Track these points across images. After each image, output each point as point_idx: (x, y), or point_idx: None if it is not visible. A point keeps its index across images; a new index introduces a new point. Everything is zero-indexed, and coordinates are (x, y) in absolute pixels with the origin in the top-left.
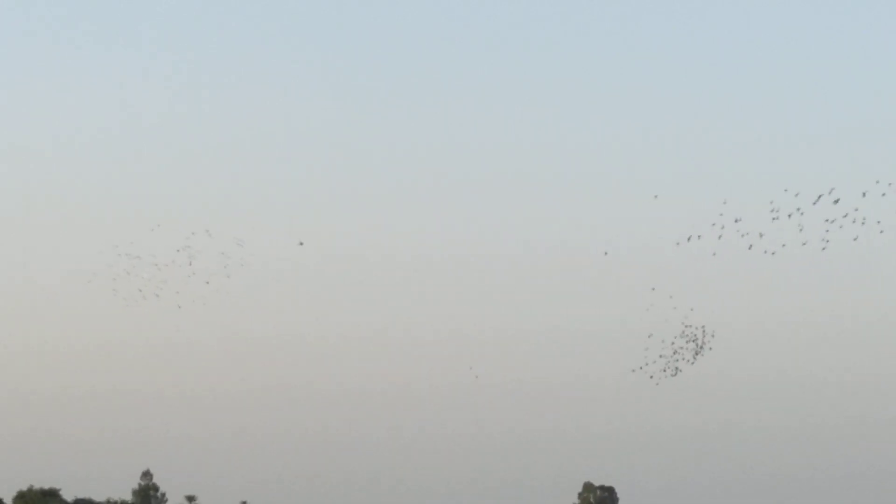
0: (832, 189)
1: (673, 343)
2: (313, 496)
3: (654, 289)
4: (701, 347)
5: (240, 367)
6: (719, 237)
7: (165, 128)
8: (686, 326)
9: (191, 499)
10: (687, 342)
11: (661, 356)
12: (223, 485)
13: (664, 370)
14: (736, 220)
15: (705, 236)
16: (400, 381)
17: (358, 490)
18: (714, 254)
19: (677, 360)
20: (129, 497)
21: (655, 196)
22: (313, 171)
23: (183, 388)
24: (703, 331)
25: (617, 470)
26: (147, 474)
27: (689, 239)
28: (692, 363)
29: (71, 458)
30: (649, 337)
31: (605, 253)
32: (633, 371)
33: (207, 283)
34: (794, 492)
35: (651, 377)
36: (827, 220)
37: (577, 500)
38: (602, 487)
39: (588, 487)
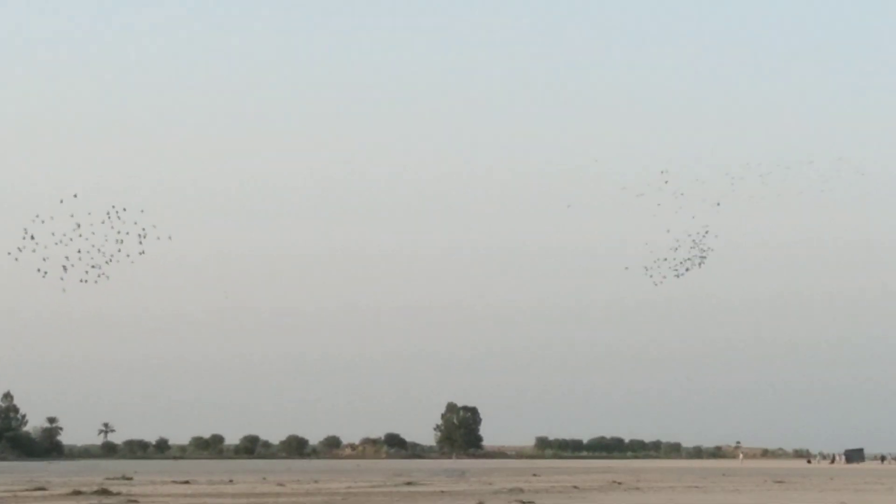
0: None
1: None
2: (172, 420)
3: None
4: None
5: (99, 289)
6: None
7: None
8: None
9: (52, 420)
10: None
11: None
12: (84, 407)
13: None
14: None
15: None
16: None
17: (218, 410)
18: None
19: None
20: None
21: None
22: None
23: (42, 310)
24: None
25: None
26: (7, 396)
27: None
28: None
29: None
30: None
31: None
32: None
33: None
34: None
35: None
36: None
37: (440, 421)
38: (465, 408)
39: (451, 408)
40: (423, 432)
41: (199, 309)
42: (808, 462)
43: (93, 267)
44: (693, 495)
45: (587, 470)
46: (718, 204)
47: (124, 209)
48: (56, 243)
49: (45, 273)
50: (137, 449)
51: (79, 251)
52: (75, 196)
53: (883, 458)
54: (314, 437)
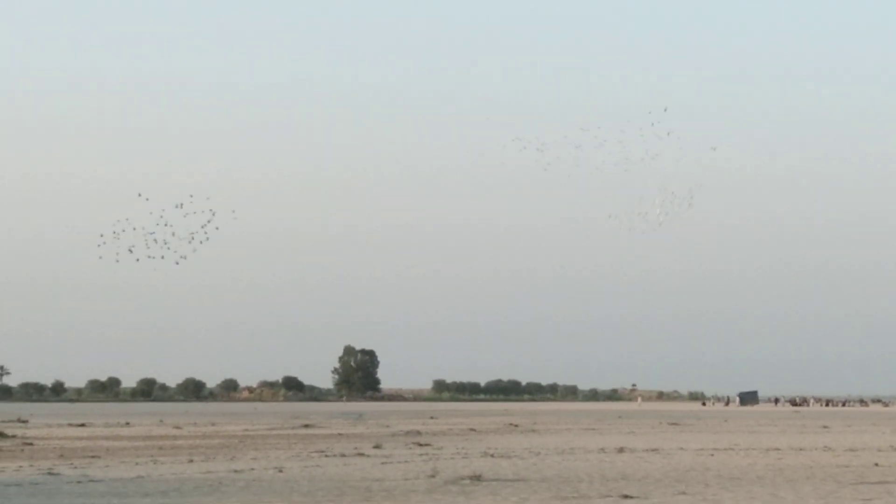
0: None
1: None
2: (68, 362)
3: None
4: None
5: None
6: None
7: None
8: None
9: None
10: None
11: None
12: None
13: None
14: None
15: None
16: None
17: (114, 352)
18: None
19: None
20: None
21: None
22: None
23: None
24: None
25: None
26: None
27: None
28: None
29: None
30: None
31: None
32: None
33: None
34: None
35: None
36: None
37: (338, 364)
38: (363, 351)
39: (349, 351)
40: (321, 375)
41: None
42: (703, 404)
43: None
44: (589, 437)
45: (484, 412)
46: None
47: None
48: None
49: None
50: (33, 392)
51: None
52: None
53: (776, 401)
54: (211, 380)
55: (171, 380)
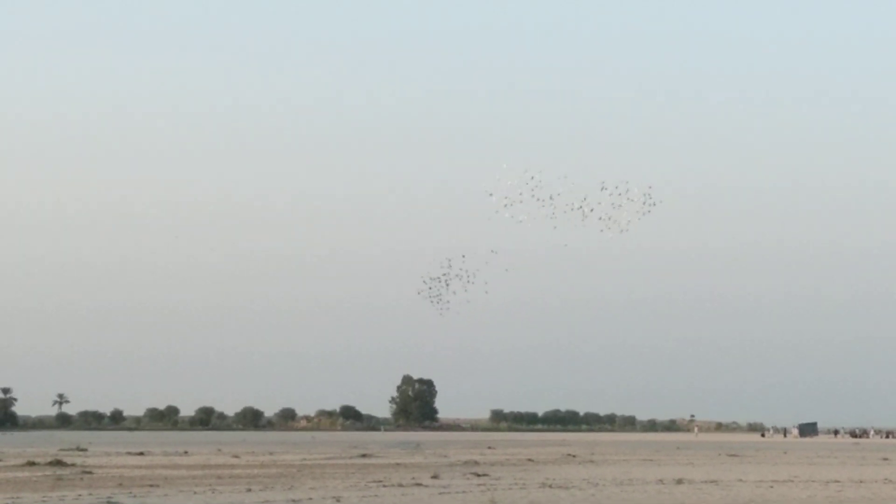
0: None
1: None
2: (127, 391)
3: None
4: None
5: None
6: None
7: None
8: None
9: (6, 391)
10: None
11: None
12: (39, 378)
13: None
14: None
15: None
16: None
17: (173, 381)
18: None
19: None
20: None
21: None
22: None
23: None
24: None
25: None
26: None
27: None
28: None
29: None
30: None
31: None
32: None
33: None
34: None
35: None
36: None
37: (395, 394)
38: (421, 380)
39: (407, 380)
40: (379, 404)
41: (157, 267)
42: (762, 436)
43: None
44: (647, 468)
45: (542, 443)
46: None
47: None
48: None
49: None
50: (92, 420)
51: None
52: None
53: (836, 433)
54: (269, 409)
55: (230, 409)
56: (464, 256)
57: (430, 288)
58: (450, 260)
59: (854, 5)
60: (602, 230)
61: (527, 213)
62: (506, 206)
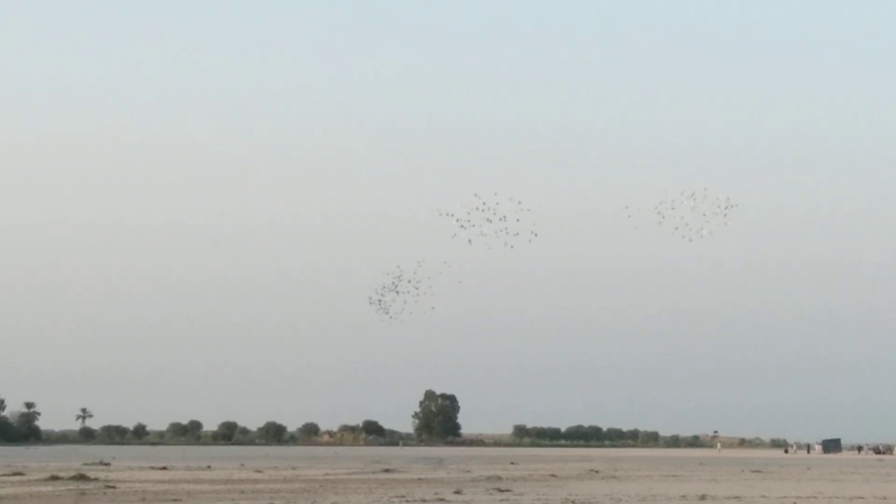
0: None
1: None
2: (150, 406)
3: None
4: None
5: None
6: None
7: None
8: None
9: (30, 405)
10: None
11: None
12: (63, 393)
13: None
14: None
15: None
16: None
17: (196, 396)
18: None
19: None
20: None
21: None
22: None
23: (20, 300)
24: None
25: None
26: None
27: None
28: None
29: None
30: None
31: None
32: None
33: None
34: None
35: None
36: None
37: (418, 409)
38: (444, 395)
39: (430, 395)
40: (402, 419)
41: (181, 283)
42: (786, 452)
43: None
44: (670, 484)
45: (565, 458)
46: None
47: None
48: None
49: None
50: (115, 434)
51: None
52: None
53: (860, 449)
54: (292, 424)
55: (252, 423)
56: (419, 263)
57: (381, 297)
58: (399, 267)
59: None
60: (683, 236)
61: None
62: (463, 227)
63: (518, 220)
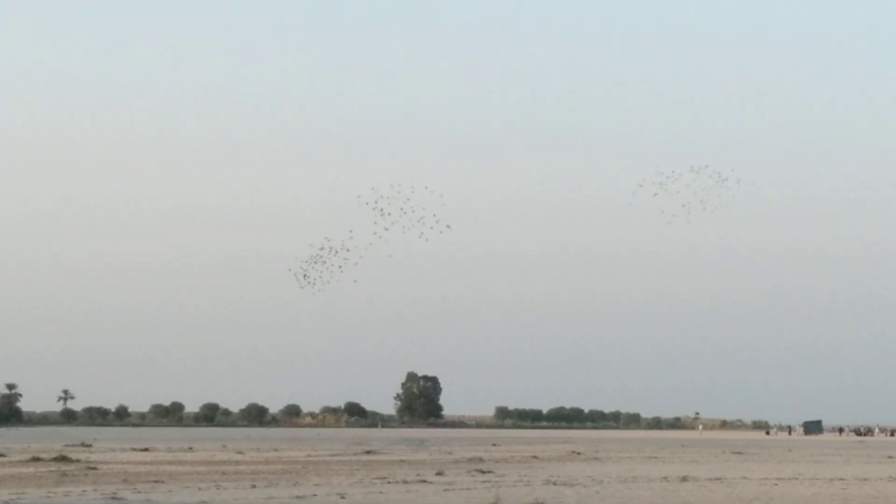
0: None
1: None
2: (131, 387)
3: None
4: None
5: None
6: None
7: None
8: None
9: (11, 387)
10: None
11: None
12: (44, 374)
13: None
14: None
15: None
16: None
17: (177, 377)
18: None
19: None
20: None
21: None
22: None
23: (3, 265)
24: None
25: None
26: None
27: None
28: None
29: None
30: None
31: None
32: None
33: None
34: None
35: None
36: None
37: (400, 391)
38: (425, 377)
39: (412, 377)
40: (384, 401)
41: (162, 264)
42: (767, 433)
43: None
44: (652, 465)
45: (547, 440)
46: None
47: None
48: None
49: None
50: (97, 416)
51: None
52: None
53: (841, 430)
54: (274, 406)
55: (234, 405)
56: (351, 231)
57: (308, 268)
58: (328, 239)
59: None
60: (690, 212)
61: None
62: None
63: (435, 215)
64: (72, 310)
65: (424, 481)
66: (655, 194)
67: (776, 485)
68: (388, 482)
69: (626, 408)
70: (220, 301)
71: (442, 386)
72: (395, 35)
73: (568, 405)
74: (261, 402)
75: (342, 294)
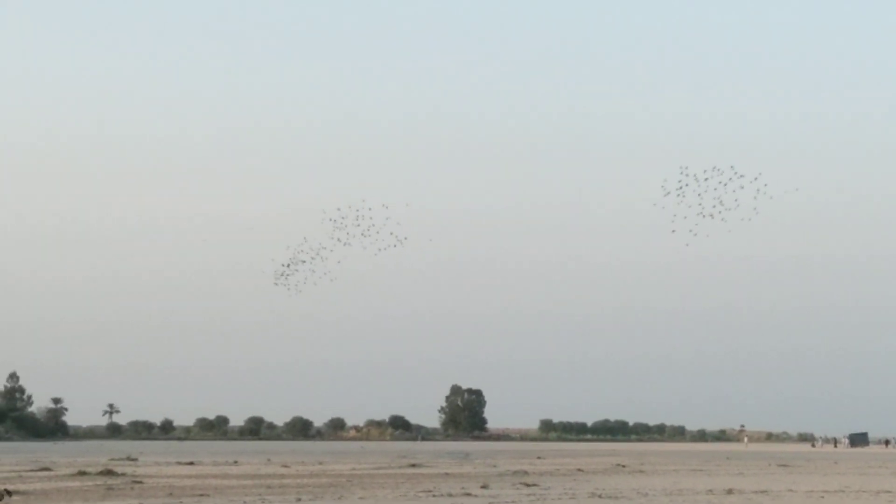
0: None
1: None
2: (177, 401)
3: None
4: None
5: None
6: None
7: None
8: None
9: (57, 401)
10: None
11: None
12: (90, 388)
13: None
14: None
15: None
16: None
17: (222, 391)
18: None
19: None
20: None
21: None
22: None
23: (49, 292)
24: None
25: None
26: (13, 376)
27: None
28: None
29: None
30: None
31: None
32: None
33: None
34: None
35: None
36: None
37: (444, 404)
38: (470, 390)
39: (456, 390)
40: (428, 414)
41: (207, 277)
42: (812, 446)
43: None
44: (697, 478)
45: (591, 453)
46: None
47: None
48: None
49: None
50: (142, 430)
51: None
52: None
53: (887, 443)
54: (318, 419)
55: (279, 419)
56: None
57: (287, 270)
58: (305, 238)
59: None
60: (715, 215)
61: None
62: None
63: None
64: (117, 324)
65: (469, 494)
66: (681, 201)
67: (822, 497)
68: (433, 495)
69: (671, 420)
70: (265, 314)
71: (486, 399)
72: (365, 45)
73: (612, 418)
74: (305, 416)
75: (387, 307)
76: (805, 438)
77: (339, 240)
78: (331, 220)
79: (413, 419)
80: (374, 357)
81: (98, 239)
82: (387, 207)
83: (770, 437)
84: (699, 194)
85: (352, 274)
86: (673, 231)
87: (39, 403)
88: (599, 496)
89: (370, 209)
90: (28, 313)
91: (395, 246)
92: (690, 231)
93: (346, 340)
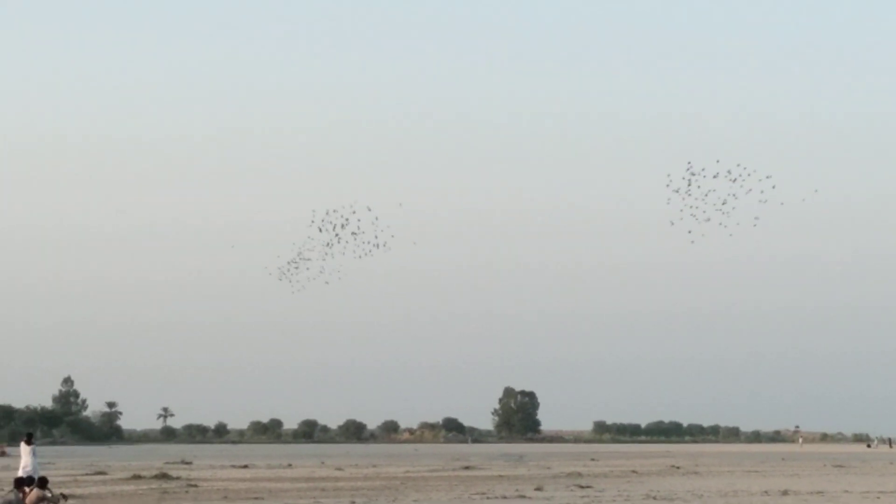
0: None
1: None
2: (230, 404)
3: None
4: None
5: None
6: None
7: None
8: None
9: (111, 405)
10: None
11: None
12: (144, 392)
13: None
14: None
15: None
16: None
17: (276, 394)
18: None
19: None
20: (49, 404)
21: None
22: None
23: (107, 298)
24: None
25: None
26: (68, 381)
27: None
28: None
29: None
30: None
31: None
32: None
33: None
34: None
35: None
36: None
37: (497, 406)
38: (523, 392)
39: (509, 392)
40: (481, 416)
41: (261, 278)
42: (868, 446)
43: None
44: (752, 479)
45: (645, 454)
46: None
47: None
48: None
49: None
50: (196, 433)
51: None
52: None
53: None
54: (372, 422)
55: (332, 421)
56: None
57: (292, 265)
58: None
59: None
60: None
61: None
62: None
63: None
64: (171, 327)
65: (523, 496)
66: (725, 203)
67: (878, 498)
68: (487, 497)
69: (725, 421)
70: (319, 316)
71: (539, 401)
72: (365, 46)
73: (666, 419)
74: (358, 419)
75: (441, 309)
76: (860, 439)
77: (382, 244)
78: (376, 218)
79: (466, 421)
80: (427, 359)
81: (151, 243)
82: (431, 212)
83: (825, 437)
84: (744, 197)
85: (407, 276)
86: (730, 234)
87: (94, 408)
88: (654, 498)
89: (409, 212)
90: (83, 318)
91: (446, 248)
92: (753, 225)
93: (400, 343)
